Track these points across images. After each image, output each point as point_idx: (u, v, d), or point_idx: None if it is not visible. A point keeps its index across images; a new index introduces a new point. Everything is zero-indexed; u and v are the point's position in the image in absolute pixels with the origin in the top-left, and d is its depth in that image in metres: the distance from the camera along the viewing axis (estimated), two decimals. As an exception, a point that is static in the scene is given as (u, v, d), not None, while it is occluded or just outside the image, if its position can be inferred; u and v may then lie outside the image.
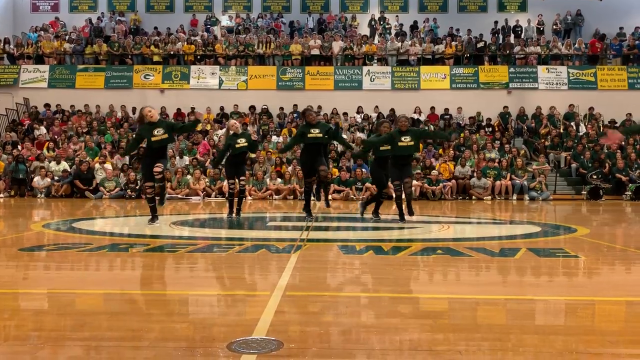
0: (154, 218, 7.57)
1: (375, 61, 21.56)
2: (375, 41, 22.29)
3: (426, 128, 19.31)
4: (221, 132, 18.28)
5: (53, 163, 16.64)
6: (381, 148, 8.49)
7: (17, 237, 6.52)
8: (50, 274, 4.23)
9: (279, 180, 16.04)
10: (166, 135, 7.36)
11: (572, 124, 19.56)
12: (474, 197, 15.89)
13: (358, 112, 20.40)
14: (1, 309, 3.03)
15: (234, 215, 9.12)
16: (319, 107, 20.35)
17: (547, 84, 20.84)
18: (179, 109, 20.54)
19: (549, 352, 2.32)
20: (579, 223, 8.66)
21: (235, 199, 9.18)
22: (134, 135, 7.83)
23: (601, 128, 19.64)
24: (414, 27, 23.27)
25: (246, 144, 9.03)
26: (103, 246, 5.47)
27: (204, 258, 4.96)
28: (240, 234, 7.22)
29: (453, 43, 21.59)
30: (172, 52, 21.57)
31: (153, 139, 7.27)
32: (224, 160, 9.41)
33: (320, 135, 8.16)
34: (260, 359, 2.20)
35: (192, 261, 4.76)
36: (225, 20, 23.86)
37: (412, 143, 7.64)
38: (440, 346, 2.40)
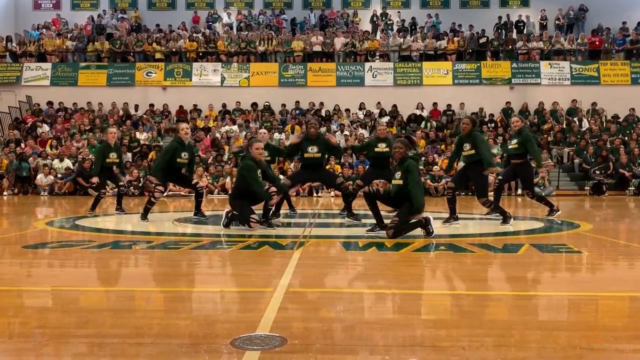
0: (145, 216, 7.83)
1: (378, 57, 21.53)
2: (377, 37, 22.26)
3: (429, 123, 19.35)
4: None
5: (56, 161, 16.68)
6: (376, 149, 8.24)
7: (21, 235, 6.54)
8: (54, 271, 4.24)
9: (281, 177, 16.03)
10: (186, 161, 7.85)
11: (575, 119, 19.51)
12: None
13: (360, 109, 20.37)
14: (6, 306, 3.05)
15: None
16: (321, 104, 20.35)
17: (549, 79, 20.79)
18: (181, 106, 20.60)
19: (552, 347, 2.32)
20: (582, 218, 8.65)
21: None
22: (165, 150, 7.99)
23: (604, 123, 19.60)
24: (416, 23, 23.22)
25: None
26: (106, 243, 5.48)
27: (207, 255, 4.97)
28: (243, 231, 7.22)
29: (455, 39, 21.55)
30: (174, 50, 21.56)
31: (179, 160, 7.69)
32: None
33: (319, 155, 7.34)
34: (263, 355, 2.21)
35: (195, 258, 4.77)
36: (226, 17, 23.84)
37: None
38: (444, 342, 2.40)
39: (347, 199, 7.69)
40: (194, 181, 8.27)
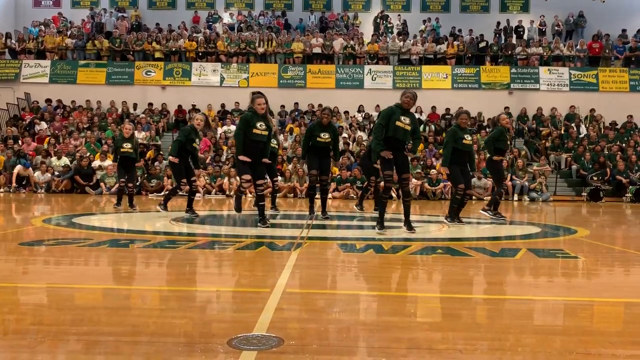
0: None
1: (377, 60, 21.55)
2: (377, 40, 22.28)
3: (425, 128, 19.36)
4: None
5: (54, 158, 16.64)
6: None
7: (17, 232, 6.53)
8: (50, 268, 4.23)
9: (280, 178, 16.02)
10: (198, 146, 8.61)
11: (573, 125, 19.56)
12: (474, 197, 15.87)
13: (359, 111, 20.39)
14: (1, 303, 3.04)
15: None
16: (319, 106, 20.34)
17: (548, 85, 20.85)
18: (180, 106, 20.58)
19: (547, 352, 2.32)
20: (579, 224, 8.67)
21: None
22: (178, 137, 8.63)
23: (602, 130, 19.66)
24: (416, 26, 23.26)
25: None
26: (103, 242, 5.47)
27: (204, 255, 4.96)
28: (241, 231, 7.22)
29: (455, 43, 21.59)
30: (173, 49, 21.56)
31: (194, 145, 8.49)
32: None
33: (329, 140, 8.36)
34: (260, 355, 2.20)
35: (192, 258, 4.76)
36: (227, 18, 23.86)
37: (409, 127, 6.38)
38: (440, 345, 2.40)
39: (323, 195, 8.64)
40: (193, 178, 8.76)
